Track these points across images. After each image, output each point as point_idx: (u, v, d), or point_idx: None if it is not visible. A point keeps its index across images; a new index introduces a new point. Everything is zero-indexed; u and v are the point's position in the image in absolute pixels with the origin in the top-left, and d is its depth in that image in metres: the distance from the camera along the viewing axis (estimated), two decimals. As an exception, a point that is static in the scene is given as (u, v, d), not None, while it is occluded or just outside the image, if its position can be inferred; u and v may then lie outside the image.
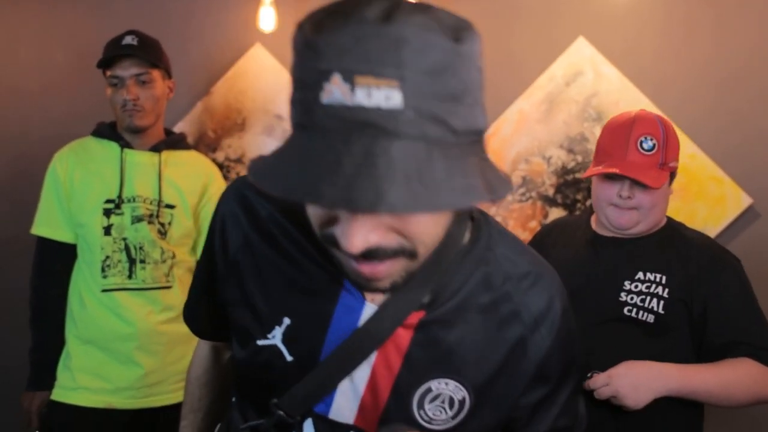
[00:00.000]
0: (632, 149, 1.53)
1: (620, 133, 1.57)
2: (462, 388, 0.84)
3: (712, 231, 2.41)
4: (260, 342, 0.87)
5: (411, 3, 0.64)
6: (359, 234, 0.67)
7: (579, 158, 2.47)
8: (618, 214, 1.57)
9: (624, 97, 2.43)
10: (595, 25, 2.45)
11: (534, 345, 0.86)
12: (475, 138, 0.68)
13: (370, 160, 0.60)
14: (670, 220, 1.67)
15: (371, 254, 0.70)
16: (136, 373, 1.91)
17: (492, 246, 0.86)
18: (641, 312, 1.52)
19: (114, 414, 1.90)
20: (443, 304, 0.83)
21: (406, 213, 0.62)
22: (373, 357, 0.84)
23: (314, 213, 0.73)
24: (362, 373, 0.84)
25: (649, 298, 1.52)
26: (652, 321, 1.51)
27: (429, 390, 0.84)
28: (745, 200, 2.39)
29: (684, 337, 1.53)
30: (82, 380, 1.89)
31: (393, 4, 0.63)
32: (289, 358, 0.86)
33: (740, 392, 1.47)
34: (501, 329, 0.85)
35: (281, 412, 0.85)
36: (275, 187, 0.62)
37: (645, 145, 1.53)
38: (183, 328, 1.97)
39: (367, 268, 0.72)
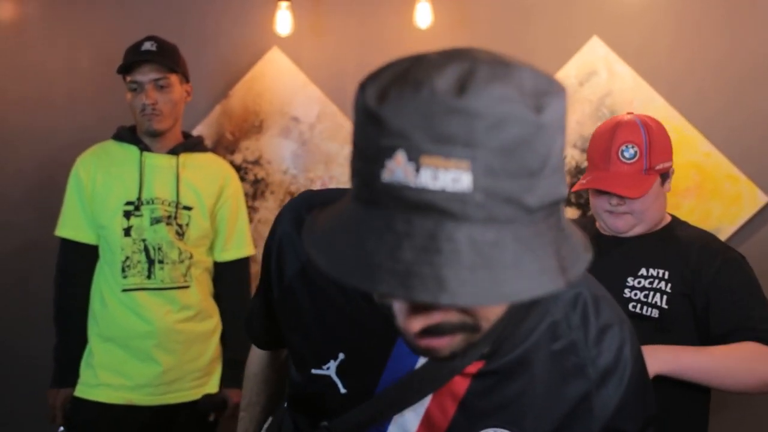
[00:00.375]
0: (614, 160, 1.55)
1: (603, 142, 1.60)
2: None
3: (728, 229, 2.40)
4: (315, 371, 0.87)
5: (490, 66, 0.58)
6: (419, 314, 0.64)
7: (593, 158, 2.47)
8: (614, 219, 1.61)
9: (638, 96, 2.43)
10: (609, 24, 2.45)
11: (600, 402, 0.81)
12: (553, 209, 0.61)
13: (433, 245, 0.55)
14: (673, 218, 1.68)
15: (430, 330, 0.66)
16: (155, 370, 1.96)
17: (560, 292, 0.79)
18: (645, 307, 1.54)
19: (134, 410, 1.96)
20: (504, 356, 0.80)
21: (470, 304, 0.57)
22: (428, 399, 0.83)
23: None
24: (416, 414, 0.83)
25: (652, 293, 1.54)
26: (656, 316, 1.53)
27: None
28: (761, 198, 2.37)
29: (689, 331, 1.54)
30: (103, 377, 1.95)
31: (468, 72, 0.57)
32: (342, 390, 0.85)
33: (742, 372, 1.46)
34: (564, 383, 0.81)
35: None
36: (332, 268, 0.58)
37: (626, 154, 1.54)
38: (200, 327, 2.04)
39: (424, 342, 0.67)
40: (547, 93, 0.58)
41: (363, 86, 0.60)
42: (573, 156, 2.48)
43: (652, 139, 1.57)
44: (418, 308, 0.64)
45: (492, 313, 0.69)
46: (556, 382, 0.80)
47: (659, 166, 1.57)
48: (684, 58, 2.41)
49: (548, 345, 0.80)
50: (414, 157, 0.55)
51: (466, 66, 0.57)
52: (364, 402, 0.84)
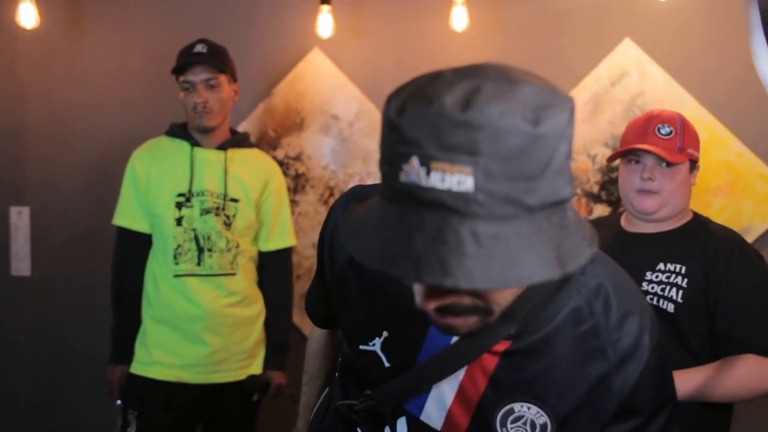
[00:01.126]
0: (651, 134, 1.64)
1: (639, 124, 1.69)
2: (543, 414, 0.89)
3: (759, 228, 2.43)
4: (362, 347, 0.98)
5: (495, 84, 0.66)
6: (433, 297, 0.74)
7: (624, 156, 2.53)
8: (642, 198, 1.66)
9: (669, 96, 2.48)
10: (640, 26, 2.50)
11: (619, 382, 0.87)
12: (556, 208, 0.69)
13: (440, 236, 0.64)
14: (696, 215, 1.74)
15: (446, 309, 0.76)
16: (204, 350, 2.10)
17: (584, 281, 0.88)
18: (661, 300, 1.60)
19: (184, 387, 2.09)
20: (529, 337, 0.88)
21: (468, 288, 0.65)
22: (462, 374, 0.91)
23: None
24: (451, 387, 0.93)
25: (669, 287, 1.60)
26: (672, 310, 1.59)
27: (511, 411, 0.90)
28: (792, 197, 2.40)
29: (702, 326, 1.59)
30: (157, 356, 2.10)
31: (474, 89, 0.65)
32: (387, 364, 0.96)
33: (743, 392, 1.56)
34: (586, 364, 0.87)
35: (373, 402, 0.98)
36: (358, 254, 0.69)
37: (663, 131, 1.64)
38: (245, 312, 2.17)
39: (442, 320, 0.77)
40: (548, 107, 0.66)
41: (388, 100, 0.70)
42: (604, 155, 2.55)
43: (685, 125, 1.67)
44: (432, 291, 0.74)
45: (501, 298, 0.77)
46: (578, 363, 0.87)
47: (690, 150, 1.65)
48: (714, 58, 2.45)
49: (571, 329, 0.87)
50: (425, 163, 0.65)
51: (474, 84, 0.66)
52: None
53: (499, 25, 2.61)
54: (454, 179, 0.64)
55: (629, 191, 1.69)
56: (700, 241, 1.65)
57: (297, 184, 2.73)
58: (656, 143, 1.63)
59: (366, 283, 0.97)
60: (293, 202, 2.69)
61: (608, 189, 2.55)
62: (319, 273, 1.10)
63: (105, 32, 2.83)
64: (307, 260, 2.72)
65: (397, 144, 0.67)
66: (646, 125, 1.66)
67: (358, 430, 1.04)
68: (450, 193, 0.64)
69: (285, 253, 2.27)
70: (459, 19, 2.52)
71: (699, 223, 1.71)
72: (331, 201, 2.70)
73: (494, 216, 0.65)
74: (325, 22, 2.57)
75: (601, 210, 2.55)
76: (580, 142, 2.56)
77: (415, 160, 0.65)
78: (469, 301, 0.75)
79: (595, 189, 2.56)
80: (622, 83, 2.52)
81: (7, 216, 2.90)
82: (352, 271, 0.99)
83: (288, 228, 2.27)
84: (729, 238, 1.65)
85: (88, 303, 2.81)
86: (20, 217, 2.93)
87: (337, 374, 1.14)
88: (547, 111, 0.66)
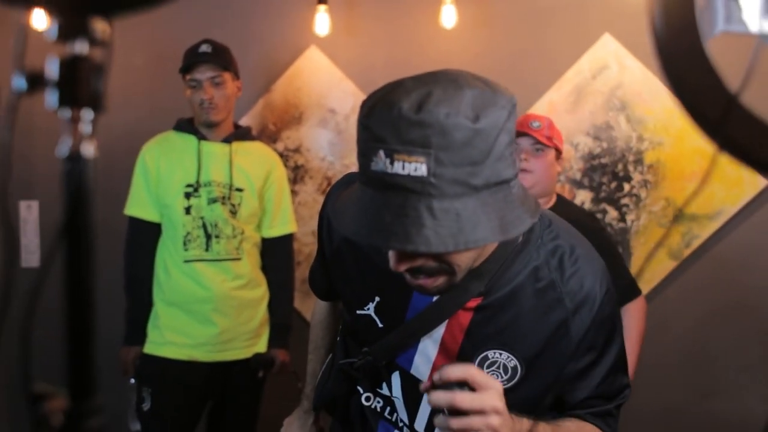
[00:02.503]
0: (526, 126, 2.02)
1: (518, 121, 2.01)
2: (513, 358, 1.04)
3: (730, 210, 2.59)
4: (359, 312, 1.14)
5: (443, 90, 0.83)
6: (403, 261, 0.91)
7: (604, 144, 2.69)
8: (520, 176, 1.97)
9: (646, 87, 2.63)
10: (619, 22, 2.65)
11: (575, 326, 1.01)
12: (499, 186, 0.85)
13: (403, 212, 0.82)
14: (559, 197, 2.11)
15: (415, 270, 0.92)
16: (213, 330, 2.24)
17: (542, 244, 1.03)
18: None
19: (195, 365, 2.24)
20: (497, 293, 1.02)
21: (425, 251, 0.83)
22: (443, 330, 1.06)
23: None
24: (434, 341, 1.07)
25: None
26: None
27: (486, 357, 1.05)
28: (761, 181, 2.56)
29: None
30: (169, 336, 2.24)
31: (426, 95, 0.82)
32: (380, 325, 1.11)
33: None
34: (546, 313, 1.02)
35: (370, 358, 1.13)
36: (343, 229, 0.88)
37: (534, 125, 2.03)
38: (250, 295, 2.32)
39: (415, 281, 0.94)
40: (488, 106, 0.83)
41: (361, 106, 0.87)
42: (586, 144, 2.70)
43: (551, 124, 2.06)
44: (401, 256, 0.91)
45: (461, 260, 0.93)
46: (539, 313, 1.02)
47: (555, 141, 2.04)
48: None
49: (532, 284, 1.02)
50: (389, 154, 0.82)
51: (426, 90, 0.83)
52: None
53: (486, 22, 2.75)
54: (412, 166, 0.81)
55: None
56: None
57: (296, 175, 2.87)
58: (530, 131, 2.02)
59: (359, 257, 1.12)
60: (293, 192, 2.82)
61: (590, 176, 2.70)
62: (319, 250, 1.26)
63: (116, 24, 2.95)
64: (306, 247, 2.86)
65: (368, 140, 0.84)
66: (522, 121, 2.04)
67: (360, 389, 1.19)
68: (409, 177, 0.81)
69: (287, 239, 2.41)
70: (448, 16, 2.65)
71: (562, 204, 2.04)
72: (329, 191, 2.85)
73: (445, 195, 0.81)
74: (322, 21, 2.70)
75: (583, 195, 2.71)
76: (564, 131, 2.70)
77: (381, 153, 0.82)
78: (434, 263, 0.91)
79: (578, 176, 2.71)
80: (602, 76, 2.67)
81: (17, 210, 3.03)
82: (347, 246, 1.14)
83: (289, 215, 2.41)
84: (586, 225, 1.93)
85: (98, 290, 2.93)
86: (29, 211, 3.06)
87: (338, 338, 1.29)
88: (486, 110, 0.83)
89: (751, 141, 0.54)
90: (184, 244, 2.23)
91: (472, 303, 1.04)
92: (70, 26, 0.48)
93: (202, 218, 2.24)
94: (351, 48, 2.83)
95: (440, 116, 0.80)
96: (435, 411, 0.93)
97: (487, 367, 1.05)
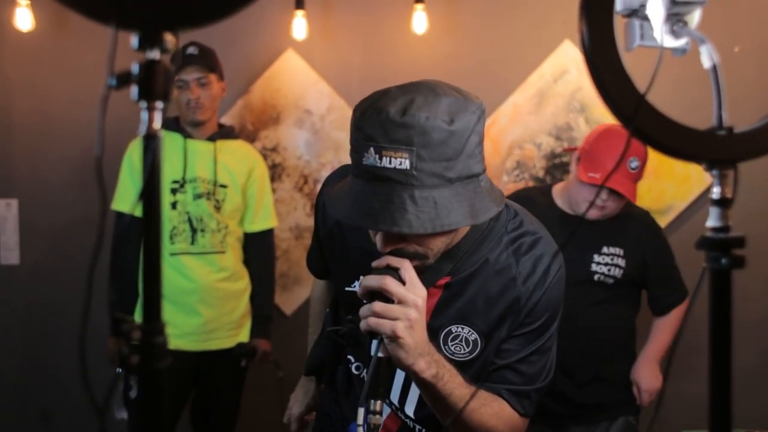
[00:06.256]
0: (623, 168, 1.98)
1: (616, 149, 1.99)
2: (474, 332, 1.16)
3: (679, 206, 2.80)
4: (347, 288, 1.27)
5: (424, 97, 1.00)
6: (389, 242, 1.06)
7: (565, 144, 2.87)
8: (594, 210, 2.07)
9: (603, 91, 2.82)
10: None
11: (526, 302, 1.14)
12: (470, 179, 1.02)
13: (389, 200, 0.99)
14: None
15: (396, 253, 1.06)
16: (198, 320, 2.34)
17: (505, 232, 1.17)
18: (605, 278, 2.09)
19: (181, 354, 2.32)
20: (462, 273, 1.16)
21: (408, 233, 0.99)
22: None
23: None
24: None
25: (612, 268, 2.09)
26: (611, 283, 2.09)
27: (450, 332, 1.18)
28: (708, 178, 2.77)
29: (636, 294, 2.17)
30: (156, 326, 2.32)
31: (409, 101, 1.00)
32: (365, 300, 1.23)
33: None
34: (503, 292, 1.15)
35: (353, 325, 1.23)
36: (337, 214, 1.05)
37: (633, 165, 1.99)
38: (234, 286, 2.43)
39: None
40: (461, 111, 1.01)
41: (354, 110, 1.05)
42: (548, 143, 2.88)
43: (647, 155, 2.04)
44: (387, 238, 1.06)
45: (434, 245, 1.07)
46: (497, 291, 1.16)
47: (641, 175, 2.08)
48: (637, 54, 2.79)
49: (492, 266, 1.16)
50: (378, 151, 0.99)
51: (409, 97, 1.01)
52: None
53: (455, 28, 2.91)
54: (398, 161, 0.98)
55: (581, 201, 2.08)
56: (630, 226, 2.13)
57: (274, 173, 2.98)
58: (624, 177, 1.98)
59: (349, 239, 1.27)
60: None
61: (552, 174, 2.88)
62: (315, 233, 1.39)
63: (91, 31, 3.01)
64: (283, 242, 2.97)
65: (360, 139, 1.02)
66: (622, 154, 2.04)
67: (351, 358, 1.33)
68: (395, 170, 0.98)
69: (268, 234, 2.53)
70: (419, 23, 2.80)
71: (624, 206, 2.14)
72: (306, 188, 2.97)
73: (425, 185, 0.99)
74: (299, 26, 2.81)
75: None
76: (527, 132, 2.89)
77: (371, 149, 1.00)
78: (412, 248, 1.06)
79: (541, 173, 2.89)
80: (563, 80, 2.86)
81: (-4, 207, 3.06)
82: (338, 230, 1.28)
83: (270, 211, 2.53)
84: (647, 222, 2.18)
85: (74, 288, 2.98)
86: (9, 209, 3.10)
87: (327, 310, 1.43)
88: (459, 114, 1.01)
89: (656, 130, 0.71)
90: (171, 237, 2.33)
91: (442, 281, 1.17)
92: (147, 38, 0.61)
93: (187, 213, 2.34)
94: (327, 52, 2.96)
95: (421, 119, 0.98)
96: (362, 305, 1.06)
97: (452, 341, 1.18)
